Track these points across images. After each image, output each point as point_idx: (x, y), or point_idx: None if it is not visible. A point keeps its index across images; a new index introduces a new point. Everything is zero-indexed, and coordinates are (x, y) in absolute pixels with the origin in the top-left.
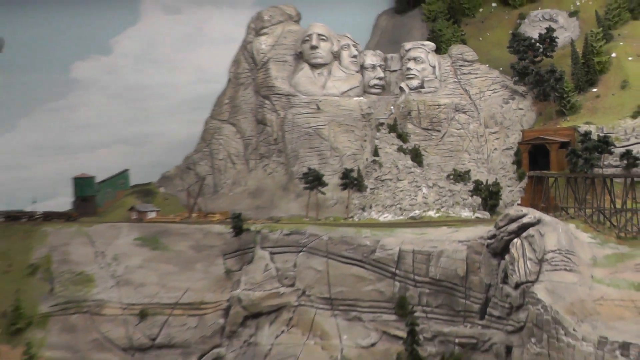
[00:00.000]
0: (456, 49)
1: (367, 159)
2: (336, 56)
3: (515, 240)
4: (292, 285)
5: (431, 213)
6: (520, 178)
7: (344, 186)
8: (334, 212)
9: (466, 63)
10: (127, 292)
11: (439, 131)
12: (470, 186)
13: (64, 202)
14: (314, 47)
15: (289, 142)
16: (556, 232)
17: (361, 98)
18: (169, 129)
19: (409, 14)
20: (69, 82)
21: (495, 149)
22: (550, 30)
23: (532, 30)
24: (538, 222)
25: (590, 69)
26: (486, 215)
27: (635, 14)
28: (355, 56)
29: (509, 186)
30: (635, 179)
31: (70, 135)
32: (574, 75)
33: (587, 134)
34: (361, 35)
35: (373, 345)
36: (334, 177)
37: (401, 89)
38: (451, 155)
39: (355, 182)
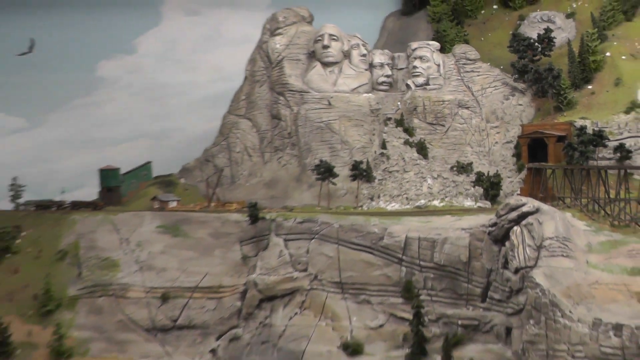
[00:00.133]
0: (459, 49)
1: (375, 152)
2: (346, 55)
3: (515, 228)
4: (305, 270)
5: (436, 202)
6: (519, 170)
7: (354, 177)
8: (344, 202)
9: (469, 62)
10: (150, 277)
11: (443, 125)
12: (473, 177)
13: (90, 192)
14: (325, 47)
15: (302, 136)
16: (554, 221)
17: (370, 94)
18: (189, 123)
19: (414, 16)
20: (95, 80)
21: (496, 142)
22: (548, 30)
23: (531, 30)
24: (537, 211)
25: (585, 67)
26: (487, 204)
27: (628, 15)
28: (364, 55)
29: (509, 177)
30: (628, 171)
31: (97, 129)
32: (571, 73)
33: (582, 129)
34: (370, 35)
35: (381, 326)
36: (344, 168)
37: (408, 85)
38: (454, 148)
39: (364, 173)
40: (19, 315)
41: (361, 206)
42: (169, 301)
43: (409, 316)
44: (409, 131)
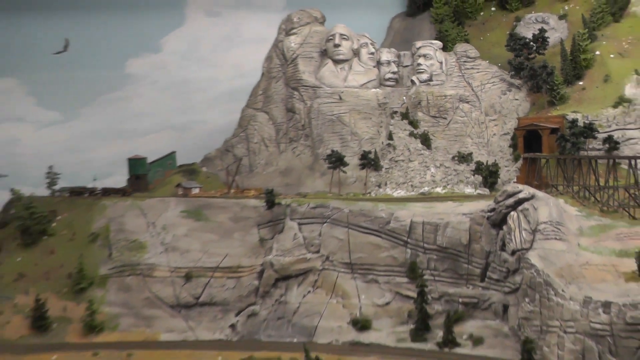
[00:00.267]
0: (460, 47)
1: (382, 143)
2: (356, 53)
3: (512, 213)
4: (318, 251)
5: (438, 189)
6: (516, 159)
7: (363, 166)
8: (354, 189)
9: (469, 59)
10: (174, 257)
11: (445, 118)
12: (473, 166)
13: (120, 179)
14: (336, 45)
15: (314, 128)
16: (548, 206)
17: (378, 89)
18: (210, 117)
19: (419, 17)
20: (124, 77)
21: (494, 134)
22: (542, 31)
23: (527, 31)
24: (532, 197)
25: (577, 65)
26: (486, 191)
27: (616, 17)
28: (372, 53)
29: (506, 166)
30: (617, 161)
31: (125, 122)
32: (563, 70)
33: (574, 121)
34: (377, 35)
35: (387, 304)
36: (354, 158)
37: (412, 81)
38: (456, 140)
39: (372, 162)
40: (55, 292)
41: (369, 193)
42: (192, 280)
43: (414, 294)
44: (413, 124)
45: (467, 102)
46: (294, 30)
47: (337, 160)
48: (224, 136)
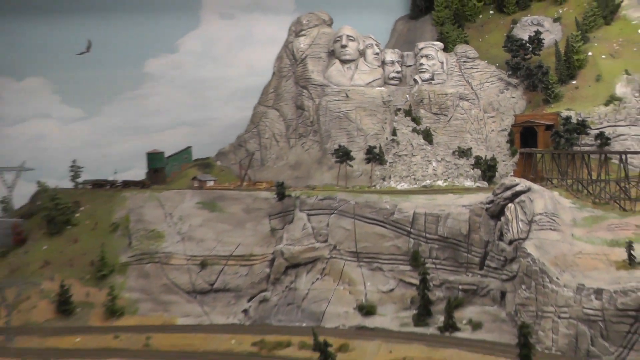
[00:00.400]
0: (460, 48)
1: (387, 138)
2: (362, 53)
3: (509, 204)
4: (325, 241)
5: (440, 182)
6: (513, 154)
7: (368, 160)
8: (360, 182)
9: (469, 59)
10: (190, 246)
11: (446, 115)
12: (472, 161)
13: (139, 172)
14: (343, 46)
15: (322, 124)
16: (543, 198)
17: (382, 88)
18: (224, 113)
19: (421, 20)
20: (143, 76)
21: (493, 130)
22: (538, 33)
23: (523, 33)
24: (528, 190)
25: (570, 65)
26: (485, 184)
27: (607, 20)
28: (377, 53)
29: (503, 161)
30: (608, 155)
31: (144, 118)
32: (557, 70)
33: (568, 118)
34: (382, 36)
35: (391, 290)
36: (360, 152)
37: (415, 80)
38: (456, 135)
39: (377, 157)
40: (78, 278)
41: (374, 185)
42: (207, 268)
43: (416, 282)
44: (416, 120)
45: (467, 100)
46: (303, 32)
47: (344, 155)
48: (237, 132)
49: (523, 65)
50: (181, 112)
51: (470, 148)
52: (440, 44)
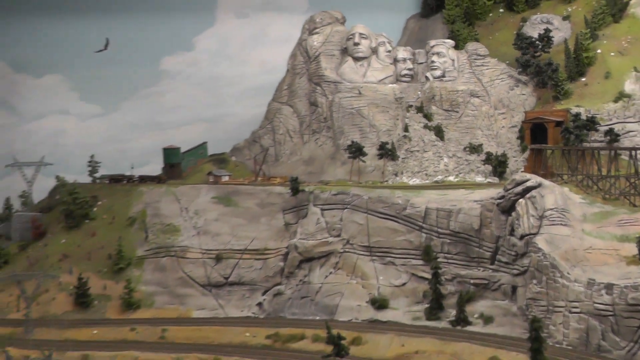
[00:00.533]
0: (471, 46)
1: (399, 134)
2: (374, 51)
3: (520, 200)
4: (339, 235)
5: (451, 178)
6: (523, 150)
7: (380, 156)
8: (372, 177)
9: (479, 57)
10: (205, 240)
11: (457, 112)
12: (483, 157)
13: (155, 168)
14: (356, 44)
15: (336, 120)
16: (553, 194)
17: (394, 85)
18: (239, 110)
19: (432, 18)
20: (159, 73)
21: (503, 126)
22: (547, 31)
23: (533, 31)
24: (539, 185)
25: (579, 62)
26: (496, 180)
27: (616, 18)
28: (389, 51)
29: (514, 157)
30: (617, 152)
31: (161, 115)
32: (567, 67)
33: (577, 115)
34: (394, 34)
35: (404, 284)
36: (373, 148)
37: (427, 77)
38: (467, 132)
39: (390, 152)
40: (95, 271)
41: (387, 181)
42: (222, 261)
43: (428, 276)
44: (427, 117)
45: (478, 97)
46: (317, 30)
47: (356, 151)
48: (252, 128)
49: (533, 62)
50: (197, 109)
51: (481, 144)
52: (451, 42)
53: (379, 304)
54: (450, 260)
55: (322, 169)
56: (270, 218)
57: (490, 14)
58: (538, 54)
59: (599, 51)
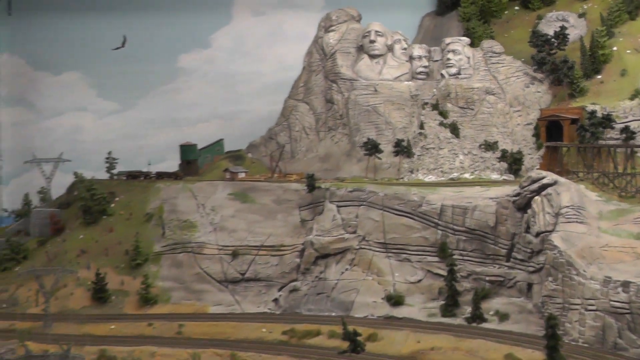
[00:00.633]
0: (487, 43)
1: (414, 132)
2: (390, 49)
3: (536, 197)
4: (355, 232)
5: (466, 175)
6: (538, 148)
7: (396, 153)
8: (388, 174)
9: (495, 55)
10: (222, 236)
11: (472, 109)
12: (498, 154)
13: (172, 164)
14: (372, 41)
15: (351, 118)
16: (569, 192)
17: (410, 82)
18: (255, 107)
19: (447, 16)
20: (176, 70)
21: (518, 124)
22: (563, 28)
23: (548, 28)
24: (555, 183)
25: (595, 60)
26: (511, 177)
27: (632, 15)
28: (405, 49)
29: (529, 154)
30: (634, 149)
31: (177, 112)
32: (583, 64)
33: (593, 113)
34: (409, 32)
35: (419, 281)
36: (388, 145)
37: (442, 75)
38: (482, 129)
39: (405, 149)
40: (113, 267)
41: (402, 178)
42: (239, 257)
43: (444, 273)
44: (443, 114)
45: (493, 94)
46: (333, 28)
47: (372, 148)
48: (268, 125)
49: (548, 60)
50: (213, 106)
51: (497, 141)
52: (466, 40)
53: (395, 300)
54: (465, 257)
55: (338, 165)
56: (286, 214)
57: (506, 12)
58: (554, 51)
59: (615, 48)
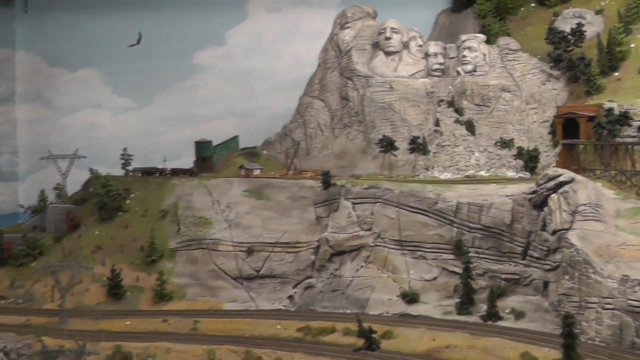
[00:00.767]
0: (503, 40)
1: (430, 129)
2: (405, 45)
3: (552, 195)
4: (370, 229)
5: (482, 173)
6: (554, 145)
7: (412, 150)
8: (404, 171)
9: (511, 52)
10: (237, 233)
11: (488, 107)
12: (514, 151)
13: (187, 161)
14: (387, 38)
15: (367, 114)
16: (586, 189)
17: (425, 79)
18: (271, 104)
19: (463, 13)
20: (192, 67)
21: (535, 121)
22: (579, 25)
23: (565, 25)
24: (572, 180)
25: (612, 57)
26: (527, 175)
27: None
28: (420, 46)
29: (545, 152)
30: None
31: (193, 108)
32: (600, 62)
33: (610, 110)
34: (425, 29)
35: (435, 279)
36: (404, 142)
37: (458, 72)
38: (498, 126)
39: (421, 147)
40: (128, 263)
41: (418, 175)
42: (254, 254)
43: (459, 270)
44: (459, 111)
45: (509, 92)
46: (348, 25)
47: (388, 145)
48: (283, 122)
49: (565, 57)
50: (229, 103)
51: (512, 139)
52: (482, 37)
53: (410, 298)
54: (481, 255)
55: (354, 162)
56: (301, 211)
57: (522, 9)
58: (570, 48)
59: (632, 45)
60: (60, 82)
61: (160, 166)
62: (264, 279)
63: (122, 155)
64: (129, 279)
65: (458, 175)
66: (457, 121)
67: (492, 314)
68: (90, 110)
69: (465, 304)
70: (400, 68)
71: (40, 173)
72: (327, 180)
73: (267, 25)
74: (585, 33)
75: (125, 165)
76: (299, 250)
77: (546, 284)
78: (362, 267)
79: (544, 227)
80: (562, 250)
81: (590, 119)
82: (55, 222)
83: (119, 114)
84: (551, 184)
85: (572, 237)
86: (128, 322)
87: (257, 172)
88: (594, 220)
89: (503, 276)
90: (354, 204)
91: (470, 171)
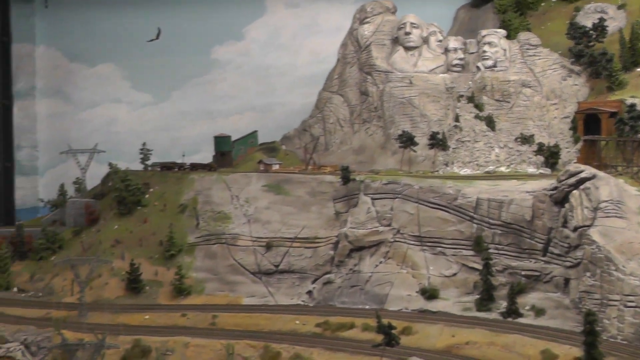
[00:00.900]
0: (523, 36)
1: (449, 124)
2: (425, 41)
3: (574, 191)
4: (389, 225)
5: (502, 169)
6: (575, 141)
7: (431, 145)
8: (423, 167)
9: (531, 47)
10: (256, 228)
11: (508, 102)
12: (535, 147)
13: (206, 156)
14: (407, 33)
15: (386, 110)
16: (608, 186)
17: (445, 75)
18: (290, 99)
19: (483, 8)
20: (210, 63)
21: (555, 117)
22: (601, 20)
23: (586, 20)
24: (593, 177)
25: (635, 52)
26: (548, 171)
27: None
28: (440, 41)
29: (566, 148)
30: None
31: (212, 104)
32: (622, 57)
33: (632, 106)
34: (445, 24)
35: (454, 275)
36: (423, 138)
37: (478, 67)
38: (518, 122)
39: (440, 142)
40: (147, 258)
41: (437, 171)
42: (272, 249)
43: (479, 267)
44: (478, 107)
45: (529, 87)
46: (368, 20)
47: (407, 140)
48: (302, 117)
49: (586, 52)
50: (247, 98)
51: (533, 135)
52: (503, 32)
53: (429, 294)
54: (501, 252)
55: (373, 158)
56: (320, 207)
57: (543, 4)
58: (592, 43)
59: None
60: (80, 77)
61: (179, 161)
62: (283, 274)
63: (141, 149)
64: (147, 273)
65: (478, 171)
66: (477, 117)
67: (512, 311)
68: (109, 105)
69: (485, 300)
70: (420, 63)
71: (60, 167)
72: (346, 175)
73: (285, 21)
74: (607, 28)
75: (144, 159)
76: (318, 246)
77: (567, 281)
78: (381, 262)
79: (564, 224)
80: (583, 247)
81: (612, 115)
82: (75, 216)
83: (138, 108)
84: (572, 180)
85: (594, 233)
86: (147, 316)
87: (276, 167)
88: (615, 217)
89: (523, 273)
90: (373, 199)
91: (490, 167)
